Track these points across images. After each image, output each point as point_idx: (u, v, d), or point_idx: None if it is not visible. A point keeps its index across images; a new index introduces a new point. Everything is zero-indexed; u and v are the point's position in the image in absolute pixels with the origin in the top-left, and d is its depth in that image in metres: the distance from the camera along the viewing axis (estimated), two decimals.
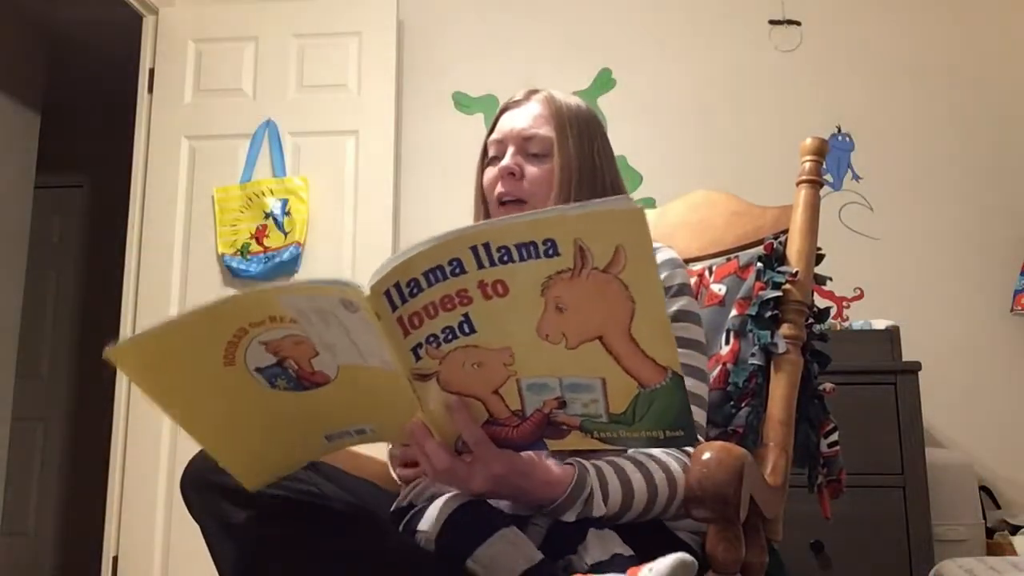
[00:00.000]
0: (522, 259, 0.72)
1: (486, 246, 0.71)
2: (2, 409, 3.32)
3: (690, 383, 1.05)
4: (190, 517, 0.96)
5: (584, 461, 0.94)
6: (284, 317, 0.77)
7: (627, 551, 0.88)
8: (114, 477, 2.75)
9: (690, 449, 1.01)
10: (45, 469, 4.34)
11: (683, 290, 1.12)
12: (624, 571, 0.80)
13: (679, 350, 1.05)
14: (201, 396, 0.83)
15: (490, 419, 0.84)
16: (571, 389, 0.80)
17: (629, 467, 0.97)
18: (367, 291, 0.73)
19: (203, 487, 0.93)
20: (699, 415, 1.06)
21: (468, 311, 0.75)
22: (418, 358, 0.78)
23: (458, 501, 0.91)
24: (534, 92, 1.22)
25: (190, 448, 0.98)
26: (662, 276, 1.11)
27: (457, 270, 0.73)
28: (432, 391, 0.81)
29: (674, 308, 1.10)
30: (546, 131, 1.17)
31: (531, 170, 1.16)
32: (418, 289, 0.73)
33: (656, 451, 1.00)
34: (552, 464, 0.92)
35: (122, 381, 2.82)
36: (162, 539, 2.67)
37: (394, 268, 0.72)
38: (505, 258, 0.72)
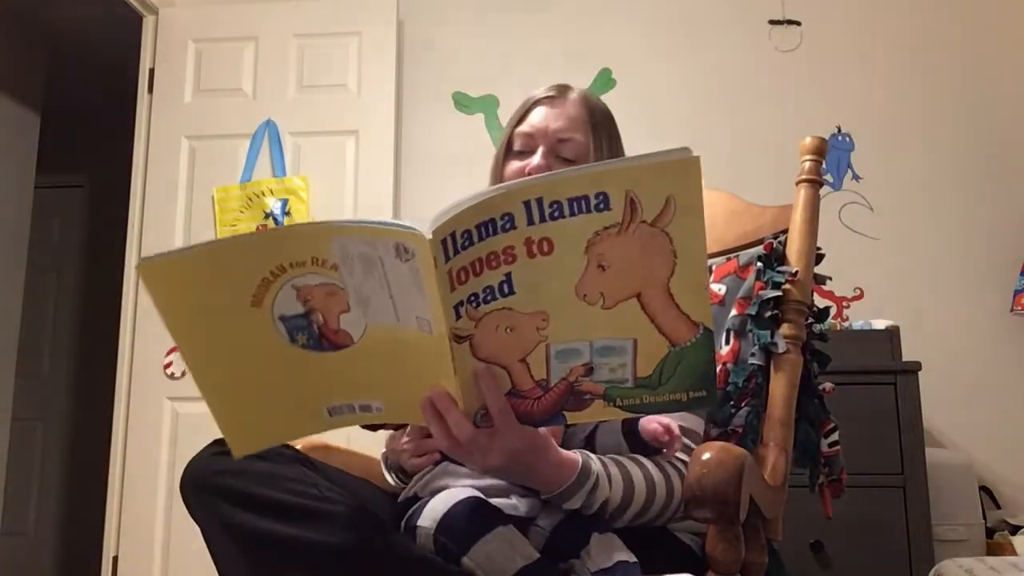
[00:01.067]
0: (572, 214, 0.72)
1: (539, 200, 0.71)
2: (2, 409, 3.32)
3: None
4: (190, 517, 0.96)
5: (589, 453, 0.94)
6: (327, 262, 0.76)
7: (631, 557, 0.88)
8: (114, 477, 2.75)
9: (685, 457, 1.01)
10: (45, 469, 4.34)
11: None
12: None
13: None
14: (217, 337, 0.81)
15: (512, 390, 0.83)
16: (601, 353, 0.79)
17: (629, 464, 0.97)
18: (430, 235, 0.71)
19: (204, 488, 0.93)
20: (703, 428, 1.06)
21: (511, 270, 0.75)
22: (458, 316, 0.76)
23: (458, 497, 0.91)
24: (567, 89, 1.20)
25: (190, 448, 0.98)
26: None
27: (508, 225, 0.72)
28: (464, 355, 0.79)
29: None
30: (581, 136, 1.16)
31: None
32: (470, 242, 0.73)
33: (665, 464, 1.01)
34: (560, 451, 0.92)
35: (122, 381, 2.82)
36: (162, 539, 2.67)
37: (454, 216, 0.71)
38: (556, 213, 0.72)
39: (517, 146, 1.19)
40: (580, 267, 0.75)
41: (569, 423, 0.88)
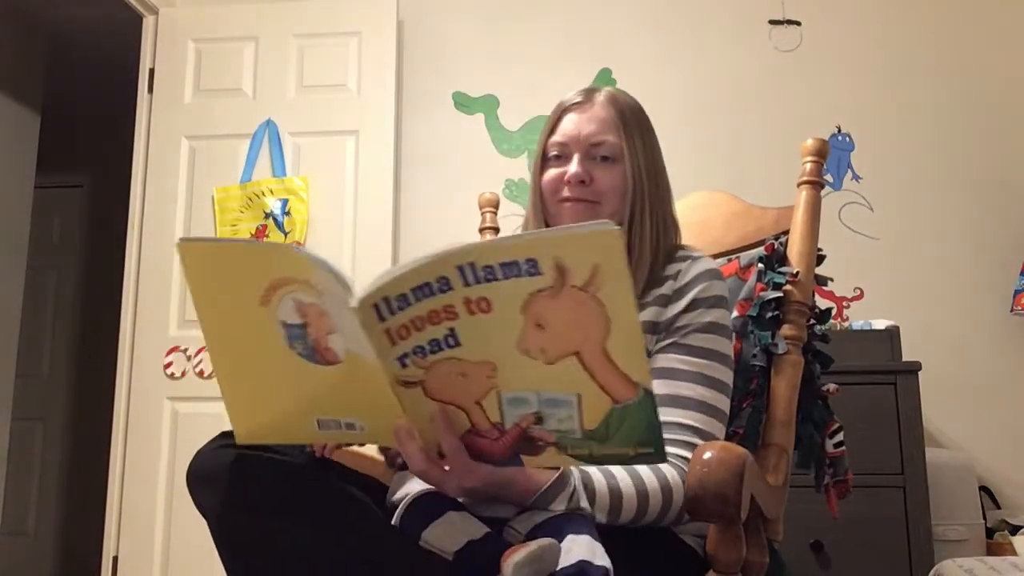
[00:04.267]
0: (505, 277, 0.75)
1: (471, 265, 0.75)
2: (2, 409, 3.32)
3: (711, 395, 1.06)
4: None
5: (571, 467, 0.95)
6: (316, 287, 0.81)
7: (598, 560, 0.86)
8: (114, 477, 2.75)
9: (687, 454, 1.01)
10: (45, 469, 4.34)
11: (719, 303, 1.12)
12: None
13: (705, 362, 1.07)
14: (233, 321, 0.87)
15: (472, 429, 0.87)
16: (548, 404, 0.82)
17: (618, 471, 0.98)
18: (356, 304, 0.77)
19: (210, 480, 0.93)
20: (716, 429, 1.06)
21: (454, 325, 0.79)
22: (404, 366, 0.81)
23: (423, 490, 0.94)
24: (594, 92, 1.21)
25: (190, 448, 0.98)
26: (700, 287, 1.12)
27: (445, 287, 0.76)
28: (417, 398, 0.84)
29: (707, 319, 1.10)
30: (614, 136, 1.16)
31: (601, 175, 1.16)
32: (406, 304, 0.77)
33: (665, 468, 1.01)
34: (534, 473, 0.93)
35: (122, 381, 2.82)
36: (162, 539, 2.66)
37: (383, 285, 0.76)
38: (489, 276, 0.75)
39: (554, 154, 1.20)
40: (519, 324, 0.78)
41: (529, 466, 0.91)
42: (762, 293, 1.23)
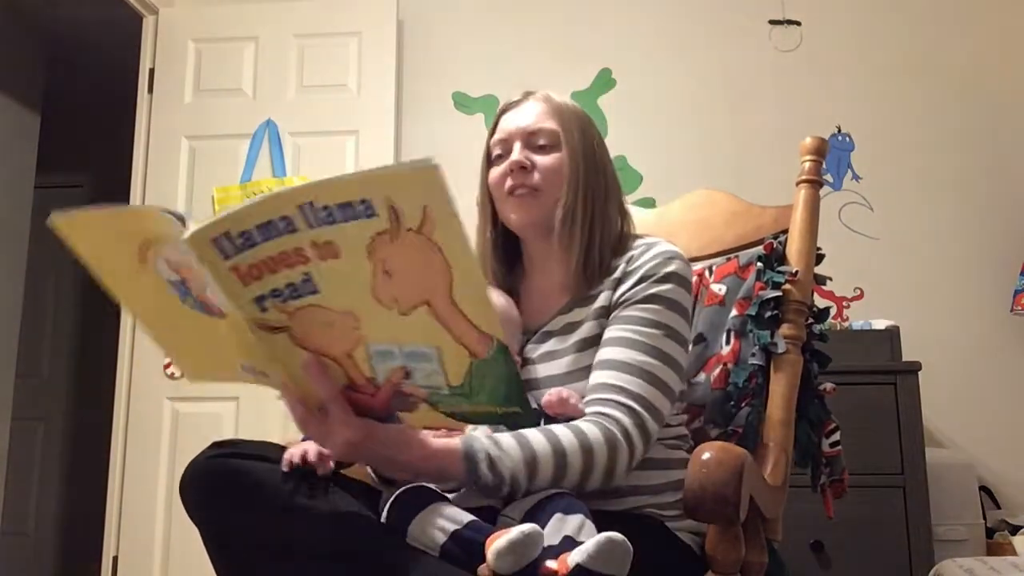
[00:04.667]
0: (345, 220, 0.73)
1: (311, 204, 0.72)
2: (2, 409, 3.32)
3: (655, 365, 1.05)
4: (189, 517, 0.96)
5: (473, 435, 0.95)
6: (178, 243, 0.79)
7: (583, 536, 0.86)
8: (114, 477, 2.75)
9: (617, 414, 1.00)
10: (45, 469, 4.34)
11: (670, 278, 1.11)
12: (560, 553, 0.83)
13: (653, 331, 1.06)
14: (130, 283, 0.86)
15: (350, 384, 0.85)
16: (412, 358, 0.81)
17: (531, 432, 0.97)
18: (187, 235, 0.74)
19: (203, 490, 0.93)
20: (658, 400, 1.04)
21: (309, 271, 0.76)
22: (264, 310, 0.79)
23: (409, 485, 0.94)
24: (530, 93, 1.24)
25: (190, 448, 0.98)
26: (652, 264, 1.11)
27: (288, 227, 0.73)
28: (287, 345, 0.82)
29: (654, 291, 1.09)
30: (551, 124, 1.18)
31: (541, 160, 1.17)
32: (251, 242, 0.74)
33: (578, 422, 1.00)
34: (429, 436, 0.92)
35: (122, 381, 2.82)
36: (162, 539, 2.67)
37: (221, 218, 0.73)
38: (329, 218, 0.73)
39: (497, 153, 1.22)
40: (368, 271, 0.76)
41: (408, 423, 0.90)
42: (761, 292, 1.23)
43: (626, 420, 1.01)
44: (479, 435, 0.95)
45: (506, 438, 0.95)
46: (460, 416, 0.86)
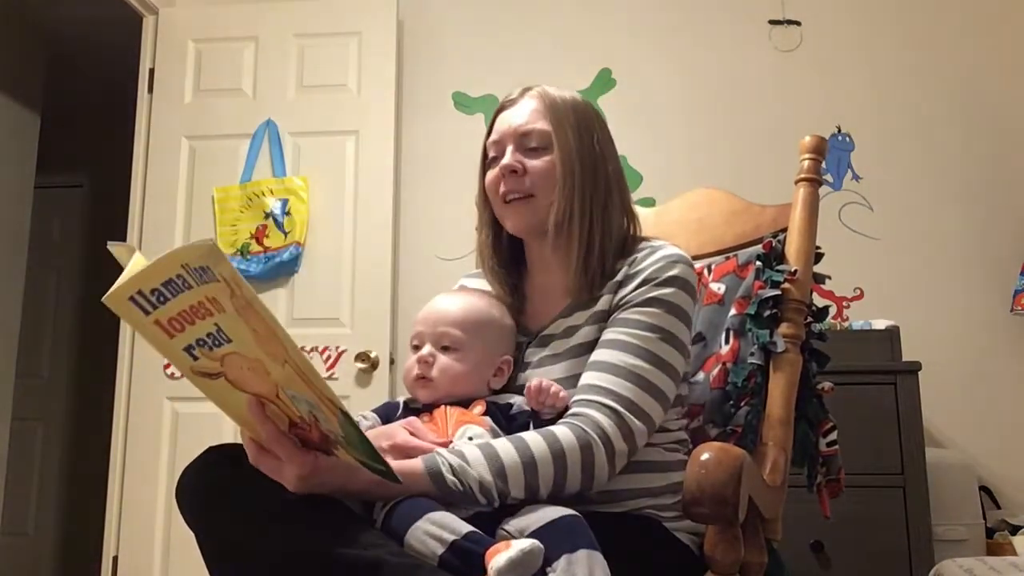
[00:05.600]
0: (207, 281, 0.76)
1: (187, 265, 0.75)
2: (2, 409, 3.32)
3: (648, 369, 1.04)
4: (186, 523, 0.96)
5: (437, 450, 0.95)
6: None
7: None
8: (114, 477, 2.75)
9: (597, 416, 1.00)
10: (45, 469, 4.34)
11: (672, 282, 1.10)
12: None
13: (650, 335, 1.05)
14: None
15: (292, 422, 0.87)
16: (309, 405, 0.83)
17: (499, 441, 0.97)
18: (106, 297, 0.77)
19: (199, 496, 0.93)
20: (649, 405, 1.03)
21: (216, 321, 0.79)
22: (195, 359, 0.81)
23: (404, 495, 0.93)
24: (528, 89, 1.22)
25: (190, 448, 0.98)
26: (655, 267, 1.11)
27: (185, 284, 0.76)
28: (227, 390, 0.85)
29: (654, 295, 1.09)
30: (543, 125, 1.17)
31: (532, 164, 1.16)
32: (163, 297, 0.77)
33: (553, 426, 1.00)
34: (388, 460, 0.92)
35: (122, 381, 2.82)
36: (162, 539, 2.67)
37: (130, 279, 0.75)
38: (203, 277, 0.76)
39: (491, 154, 1.21)
40: (245, 327, 0.79)
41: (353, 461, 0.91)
42: (760, 291, 1.23)
43: (604, 421, 1.00)
44: (443, 451, 0.95)
45: (472, 450, 0.95)
46: (360, 463, 0.89)
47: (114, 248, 0.83)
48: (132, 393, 2.80)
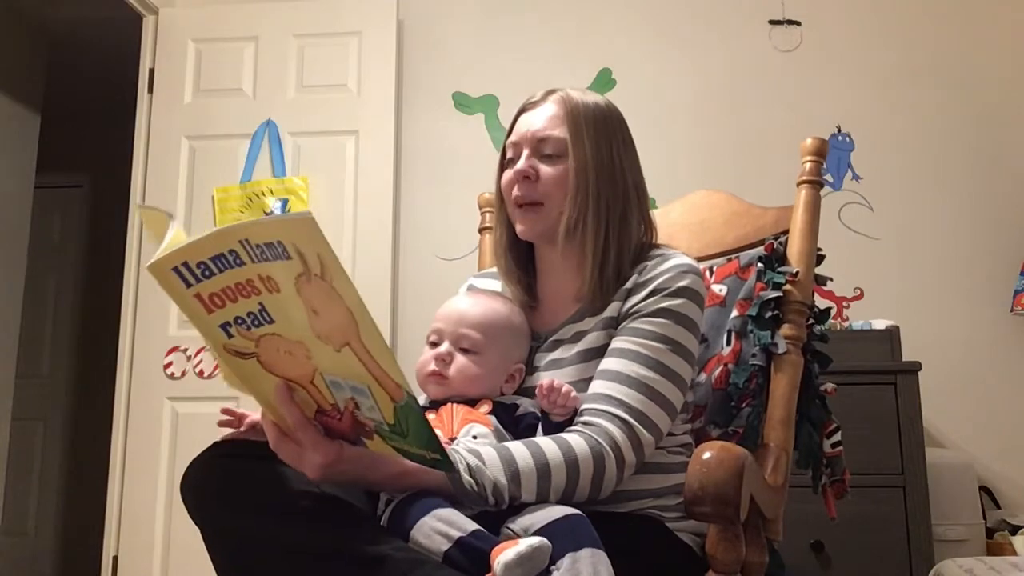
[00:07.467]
0: (274, 258, 0.75)
1: (247, 241, 0.75)
2: (2, 409, 3.32)
3: (657, 379, 1.04)
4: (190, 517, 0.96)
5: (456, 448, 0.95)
6: None
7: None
8: (114, 477, 2.75)
9: (608, 425, 1.00)
10: (45, 469, 4.34)
11: (682, 293, 1.10)
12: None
13: (659, 346, 1.05)
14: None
15: (320, 409, 0.87)
16: (356, 391, 0.82)
17: (514, 444, 0.97)
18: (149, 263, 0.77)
19: (203, 491, 0.93)
20: (658, 416, 1.04)
21: (262, 301, 0.79)
22: (229, 336, 0.81)
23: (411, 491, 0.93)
24: (551, 92, 1.21)
25: (190, 448, 0.98)
26: (665, 277, 1.10)
27: (237, 261, 0.76)
28: (257, 371, 0.84)
29: (664, 305, 1.08)
30: (560, 132, 1.15)
31: (546, 171, 1.15)
32: (209, 272, 0.77)
33: (566, 433, 1.00)
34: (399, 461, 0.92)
35: (122, 381, 2.82)
36: (162, 539, 2.67)
37: (179, 249, 0.75)
38: (264, 255, 0.75)
39: (509, 155, 1.21)
40: (302, 307, 0.78)
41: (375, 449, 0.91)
42: (762, 293, 1.23)
43: (616, 432, 1.00)
44: (460, 449, 0.94)
45: (488, 451, 0.94)
46: (403, 453, 0.88)
47: (146, 212, 0.82)
48: (132, 393, 2.80)
